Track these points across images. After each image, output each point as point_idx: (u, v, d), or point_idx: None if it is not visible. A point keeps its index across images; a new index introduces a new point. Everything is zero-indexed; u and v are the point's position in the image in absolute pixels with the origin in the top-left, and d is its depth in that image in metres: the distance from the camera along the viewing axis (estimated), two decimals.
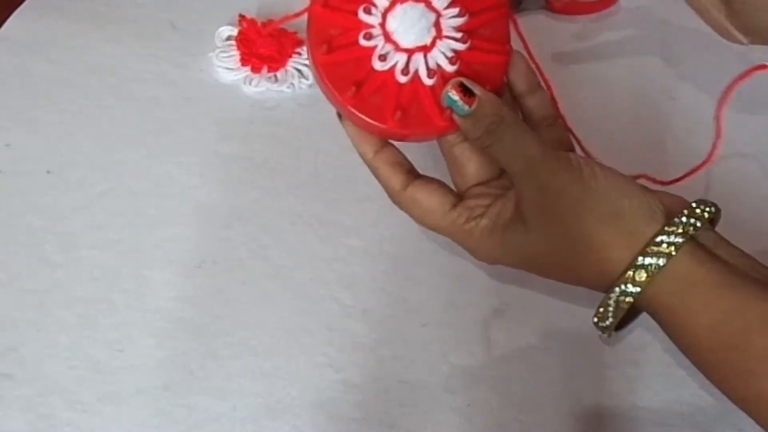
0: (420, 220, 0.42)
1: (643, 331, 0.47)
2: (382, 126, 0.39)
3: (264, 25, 0.60)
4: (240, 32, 0.60)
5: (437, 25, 0.39)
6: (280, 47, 0.59)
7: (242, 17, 0.60)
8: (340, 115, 0.41)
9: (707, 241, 0.37)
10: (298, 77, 0.59)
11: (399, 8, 0.39)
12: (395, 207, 0.53)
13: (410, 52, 0.39)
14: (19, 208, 0.52)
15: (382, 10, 0.39)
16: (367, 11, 0.39)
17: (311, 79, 0.59)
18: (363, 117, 0.39)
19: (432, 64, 0.39)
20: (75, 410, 0.44)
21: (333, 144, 0.56)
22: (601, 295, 0.38)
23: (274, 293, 0.49)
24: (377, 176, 0.42)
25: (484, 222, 0.40)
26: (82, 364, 0.46)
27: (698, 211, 0.37)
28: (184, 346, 0.47)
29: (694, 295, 0.36)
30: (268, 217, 0.52)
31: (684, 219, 0.36)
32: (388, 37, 0.39)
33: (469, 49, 0.39)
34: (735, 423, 0.45)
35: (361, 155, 0.42)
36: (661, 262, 0.35)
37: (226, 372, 0.46)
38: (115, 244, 0.50)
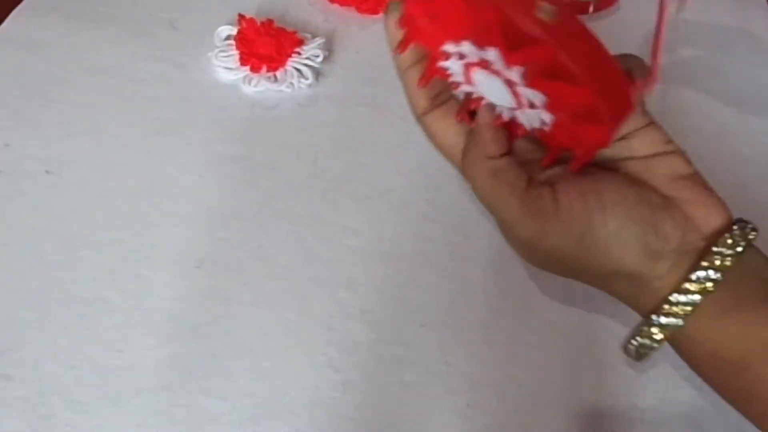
0: (437, 147, 0.40)
1: None
2: None
3: (263, 24, 0.60)
4: (239, 32, 0.60)
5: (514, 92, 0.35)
6: (279, 47, 0.59)
7: (241, 17, 0.61)
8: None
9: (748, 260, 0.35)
10: (297, 77, 0.59)
11: (476, 74, 0.35)
12: (395, 207, 0.53)
13: None
14: (19, 208, 0.52)
15: (462, 68, 0.36)
16: (446, 57, 0.35)
17: (311, 79, 0.59)
18: None
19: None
20: (74, 410, 0.44)
21: (333, 144, 0.56)
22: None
23: (273, 293, 0.49)
24: (405, 93, 0.39)
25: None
26: (81, 364, 0.45)
27: (717, 259, 0.35)
28: (184, 346, 0.47)
29: (696, 326, 0.35)
30: (267, 217, 0.52)
31: (702, 273, 0.35)
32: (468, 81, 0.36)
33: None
34: (735, 423, 0.45)
35: (396, 66, 0.38)
36: (680, 322, 0.35)
37: (226, 372, 0.46)
38: (114, 244, 0.50)
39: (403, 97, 0.58)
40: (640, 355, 0.36)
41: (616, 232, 0.35)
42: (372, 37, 0.64)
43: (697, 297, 0.34)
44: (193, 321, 0.47)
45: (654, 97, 0.53)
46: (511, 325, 0.48)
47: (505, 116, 0.36)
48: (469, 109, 0.38)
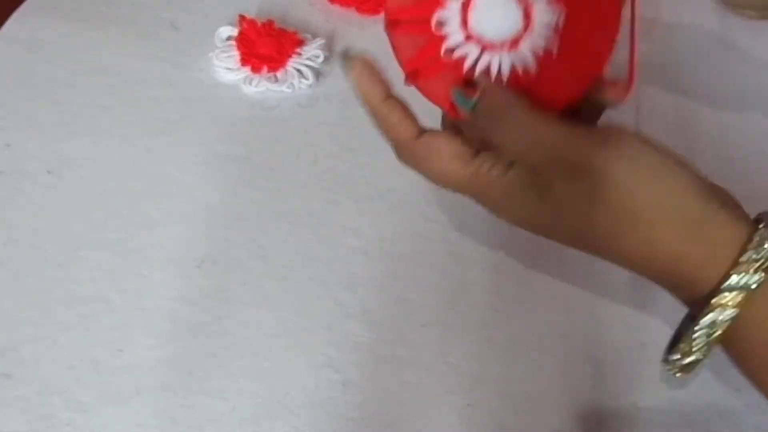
0: (437, 171, 0.37)
1: (643, 330, 0.47)
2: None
3: (264, 25, 0.60)
4: (240, 32, 0.60)
5: (527, 14, 0.33)
6: (279, 47, 0.59)
7: (242, 17, 0.61)
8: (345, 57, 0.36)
9: None
10: (298, 77, 0.59)
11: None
12: (395, 208, 0.53)
13: (487, 47, 0.34)
14: (19, 208, 0.52)
15: (459, 8, 0.34)
16: (439, 25, 0.34)
17: (311, 79, 0.59)
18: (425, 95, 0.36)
19: (515, 63, 0.34)
20: (75, 410, 0.44)
21: (333, 144, 0.56)
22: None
23: (273, 293, 0.49)
24: (385, 124, 0.37)
25: (515, 171, 0.35)
26: (81, 364, 0.45)
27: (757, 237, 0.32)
28: (184, 346, 0.47)
29: (757, 307, 0.32)
30: (267, 217, 0.52)
31: (749, 255, 0.32)
32: (464, 22, 0.34)
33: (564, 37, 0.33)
34: (735, 423, 0.45)
35: (367, 101, 0.37)
36: (755, 279, 0.31)
37: (226, 372, 0.46)
38: (115, 244, 0.50)
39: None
40: (686, 366, 0.33)
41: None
42: (372, 38, 0.63)
43: (757, 277, 0.31)
44: (193, 321, 0.47)
45: (653, 98, 0.53)
46: (511, 325, 0.48)
47: (481, 64, 0.35)
48: (464, 82, 0.36)
